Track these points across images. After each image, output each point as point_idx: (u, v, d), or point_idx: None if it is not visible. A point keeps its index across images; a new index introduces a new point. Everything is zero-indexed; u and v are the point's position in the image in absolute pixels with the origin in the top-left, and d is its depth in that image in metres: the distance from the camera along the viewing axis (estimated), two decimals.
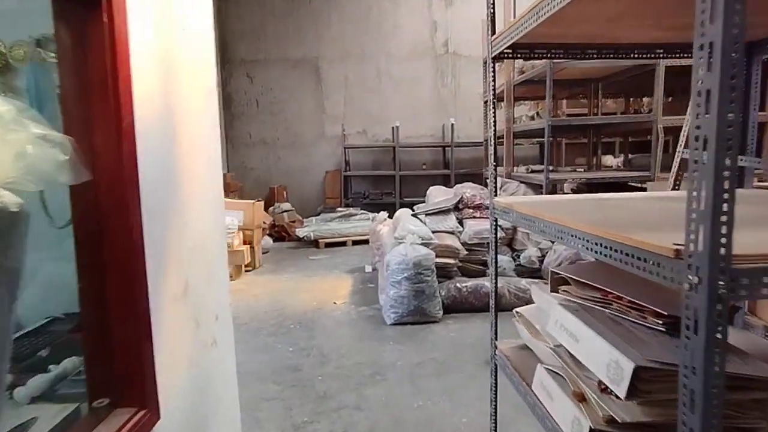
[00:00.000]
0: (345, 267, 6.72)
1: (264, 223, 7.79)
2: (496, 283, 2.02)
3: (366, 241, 8.32)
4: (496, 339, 1.99)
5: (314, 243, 8.28)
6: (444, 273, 4.69)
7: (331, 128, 10.65)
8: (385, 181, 10.67)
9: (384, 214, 6.40)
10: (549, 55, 1.91)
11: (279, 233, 9.04)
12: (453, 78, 10.53)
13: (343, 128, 10.15)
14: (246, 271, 6.54)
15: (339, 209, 9.28)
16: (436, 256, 4.48)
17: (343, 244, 8.27)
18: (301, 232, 8.24)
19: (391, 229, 5.48)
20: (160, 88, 1.53)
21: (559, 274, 1.57)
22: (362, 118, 10.62)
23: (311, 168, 10.78)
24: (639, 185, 5.68)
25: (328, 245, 8.19)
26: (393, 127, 10.51)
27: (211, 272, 1.91)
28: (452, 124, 9.60)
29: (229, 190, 9.60)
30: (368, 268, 6.40)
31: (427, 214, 4.99)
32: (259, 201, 6.90)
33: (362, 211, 8.96)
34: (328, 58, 10.53)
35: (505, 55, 1.88)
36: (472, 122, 10.47)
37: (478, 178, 9.91)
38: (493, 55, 1.92)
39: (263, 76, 10.56)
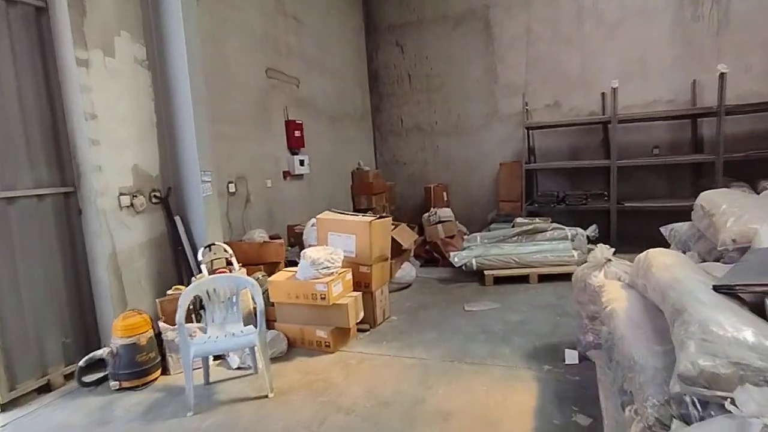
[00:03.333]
0: (524, 340, 3.63)
1: (404, 243, 5.17)
2: None
3: (562, 277, 5.04)
4: None
5: (478, 275, 5.34)
6: None
7: (506, 103, 7.46)
8: (591, 176, 7.03)
9: (603, 249, 3.13)
10: None
11: (431, 254, 6.34)
12: (715, 3, 6.26)
13: (525, 101, 6.89)
14: (360, 330, 4.00)
15: (519, 220, 6.11)
16: None
17: (523, 279, 5.12)
18: (457, 257, 5.37)
19: (634, 298, 2.26)
20: None
21: None
22: (554, 85, 7.16)
23: (480, 160, 7.78)
24: None
25: (499, 280, 5.15)
26: (603, 93, 6.81)
27: None
28: (721, 74, 5.46)
29: (372, 192, 7.28)
30: (570, 356, 3.20)
31: (733, 289, 1.62)
32: (382, 217, 4.26)
33: (556, 225, 5.61)
34: (503, 4, 7.33)
35: None
36: (752, 72, 6.09)
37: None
38: None
39: (416, 42, 7.92)
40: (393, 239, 5.00)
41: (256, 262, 4.40)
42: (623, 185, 6.37)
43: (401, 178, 8.33)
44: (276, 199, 5.59)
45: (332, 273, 3.65)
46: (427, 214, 7.30)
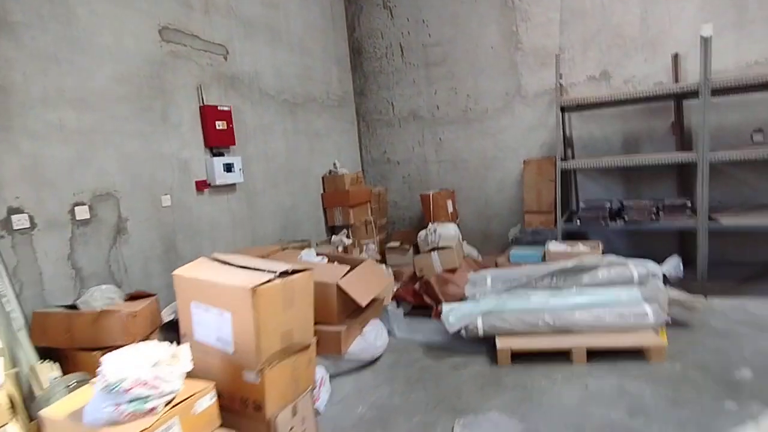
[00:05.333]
0: None
1: (361, 298, 3.16)
2: None
3: (630, 355, 2.96)
4: None
5: (488, 343, 3.30)
6: None
7: (533, 77, 5.34)
8: (655, 179, 4.84)
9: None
10: None
11: (421, 298, 4.29)
12: None
13: (560, 73, 4.76)
14: None
15: (552, 247, 4.03)
16: None
17: (561, 357, 3.04)
18: (452, 315, 3.32)
19: None
20: None
21: None
22: (601, 48, 4.98)
23: (498, 155, 5.69)
24: None
25: (522, 358, 3.08)
26: (676, 56, 4.61)
27: None
28: None
29: (348, 203, 5.32)
30: None
31: None
32: (296, 272, 2.23)
33: (614, 259, 3.46)
34: None
35: None
36: None
37: None
38: None
39: (409, 1, 5.89)
40: (343, 294, 3.03)
41: (91, 345, 2.51)
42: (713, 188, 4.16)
43: (395, 182, 6.33)
44: (182, 224, 3.70)
45: (153, 408, 1.71)
46: (424, 231, 5.30)
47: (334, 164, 5.68)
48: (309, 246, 4.58)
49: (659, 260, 3.55)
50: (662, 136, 4.82)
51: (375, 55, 6.15)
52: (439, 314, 3.87)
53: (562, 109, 4.54)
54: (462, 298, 3.70)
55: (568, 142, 5.08)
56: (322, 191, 5.52)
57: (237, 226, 4.24)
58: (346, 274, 3.15)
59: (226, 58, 4.20)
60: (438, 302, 4.04)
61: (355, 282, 3.14)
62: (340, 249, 4.47)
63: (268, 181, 4.66)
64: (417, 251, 5.40)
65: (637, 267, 3.35)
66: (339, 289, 3.01)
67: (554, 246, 3.98)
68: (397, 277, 4.67)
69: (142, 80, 3.41)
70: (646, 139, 4.89)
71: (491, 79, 5.55)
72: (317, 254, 3.49)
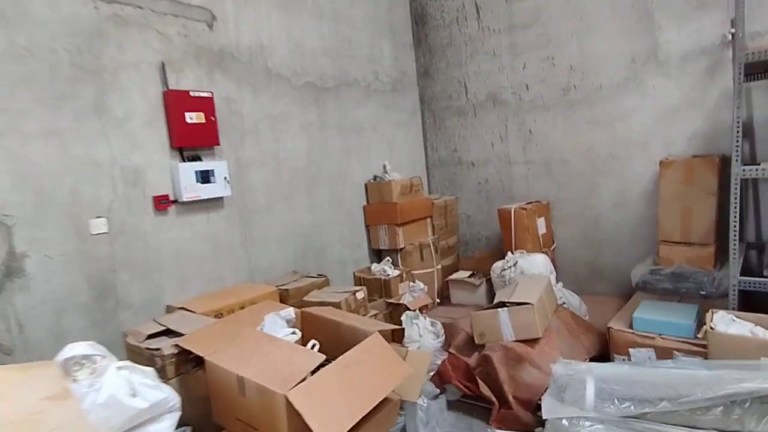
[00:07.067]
0: None
1: (324, 426, 1.73)
2: None
3: None
4: None
5: None
6: None
7: (679, 30, 3.34)
8: None
9: None
10: None
11: (474, 380, 2.67)
12: None
13: (734, 21, 2.78)
14: None
15: (723, 320, 2.17)
16: None
17: None
18: None
19: None
20: None
21: None
22: None
23: (616, 155, 3.78)
24: None
25: None
26: None
27: None
28: None
29: (396, 221, 3.90)
30: None
31: None
32: None
33: None
34: None
35: None
36: None
37: None
38: None
39: None
40: (298, 419, 1.62)
41: None
42: None
43: (469, 189, 4.72)
44: (128, 258, 2.59)
45: None
46: (500, 263, 3.72)
47: (384, 167, 4.26)
48: (327, 284, 3.26)
49: None
50: None
51: (443, 22, 4.58)
52: (500, 423, 2.28)
53: (745, 74, 2.53)
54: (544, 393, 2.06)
55: (747, 132, 3.04)
56: (365, 203, 4.16)
57: (223, 257, 3.05)
58: (312, 372, 1.73)
59: (211, 27, 3.02)
60: (501, 397, 2.42)
61: (326, 389, 1.71)
62: (354, 299, 3.05)
63: (277, 193, 3.41)
64: (492, 288, 3.83)
65: None
66: (290, 405, 1.61)
67: (726, 323, 2.10)
68: (450, 333, 3.12)
69: (59, 56, 2.34)
70: None
71: (607, 39, 3.67)
72: (289, 322, 2.11)
